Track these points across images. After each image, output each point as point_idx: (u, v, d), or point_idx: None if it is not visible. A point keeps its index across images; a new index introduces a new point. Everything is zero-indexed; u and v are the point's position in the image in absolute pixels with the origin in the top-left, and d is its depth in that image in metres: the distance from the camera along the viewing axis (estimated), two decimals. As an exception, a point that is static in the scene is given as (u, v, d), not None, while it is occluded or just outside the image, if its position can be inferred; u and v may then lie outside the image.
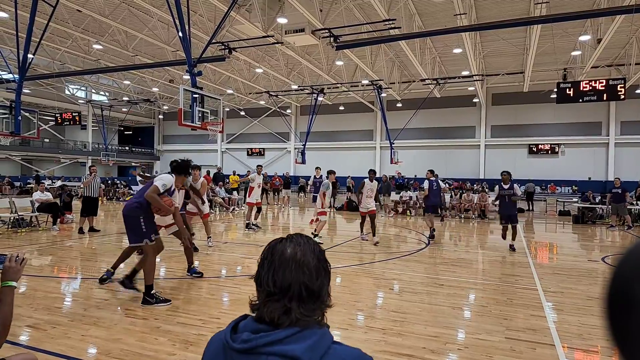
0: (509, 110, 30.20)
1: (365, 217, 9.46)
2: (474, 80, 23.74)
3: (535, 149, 29.80)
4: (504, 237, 8.84)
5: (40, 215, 11.01)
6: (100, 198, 11.04)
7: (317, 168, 15.52)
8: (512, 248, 8.57)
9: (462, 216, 15.84)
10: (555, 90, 14.80)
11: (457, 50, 19.25)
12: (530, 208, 20.18)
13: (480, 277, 6.57)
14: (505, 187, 8.63)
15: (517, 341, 3.83)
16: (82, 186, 10.75)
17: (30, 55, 13.06)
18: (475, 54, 19.57)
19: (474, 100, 29.94)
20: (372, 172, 9.52)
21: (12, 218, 10.34)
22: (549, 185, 28.86)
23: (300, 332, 0.95)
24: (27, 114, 14.83)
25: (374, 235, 9.25)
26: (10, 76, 19.92)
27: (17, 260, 2.00)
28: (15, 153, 33.05)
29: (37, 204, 10.84)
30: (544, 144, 29.45)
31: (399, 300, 5.05)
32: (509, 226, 8.62)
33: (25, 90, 14.93)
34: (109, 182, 25.49)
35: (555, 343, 3.81)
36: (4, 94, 26.93)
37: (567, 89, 14.33)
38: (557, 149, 29.19)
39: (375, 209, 9.60)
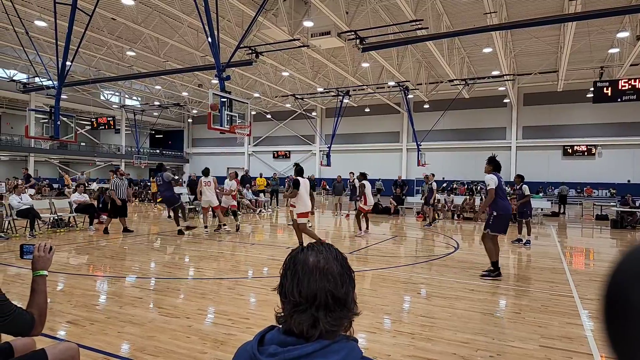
0: (542, 111, 29.26)
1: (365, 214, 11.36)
2: (505, 80, 23.15)
3: (570, 151, 28.73)
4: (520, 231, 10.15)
5: (77, 216, 11.51)
6: (129, 199, 11.35)
7: (350, 173, 15.60)
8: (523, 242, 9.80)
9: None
10: (592, 89, 14.23)
11: (487, 50, 18.84)
12: (563, 211, 19.45)
13: (512, 282, 6.38)
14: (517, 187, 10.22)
15: (553, 350, 3.70)
16: (108, 191, 11.11)
17: (68, 63, 13.66)
18: (505, 53, 19.07)
19: (505, 100, 29.18)
20: (362, 175, 11.54)
21: (51, 218, 10.84)
22: (585, 188, 27.74)
23: (328, 346, 0.93)
24: (65, 119, 15.47)
25: (360, 229, 10.99)
26: (49, 83, 20.93)
27: (45, 249, 2.03)
28: (53, 156, 34.68)
29: (75, 205, 11.33)
30: (579, 145, 28.35)
31: (428, 305, 4.98)
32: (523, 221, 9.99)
33: (63, 96, 15.62)
34: (142, 183, 26.27)
35: (592, 352, 3.66)
36: (44, 99, 28.33)
37: (605, 88, 13.75)
38: (593, 150, 28.04)
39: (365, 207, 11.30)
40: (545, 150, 29.47)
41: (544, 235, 11.91)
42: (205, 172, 11.05)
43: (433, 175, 14.47)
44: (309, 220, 9.72)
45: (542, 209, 16.29)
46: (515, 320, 4.51)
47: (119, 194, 10.53)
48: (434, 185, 13.97)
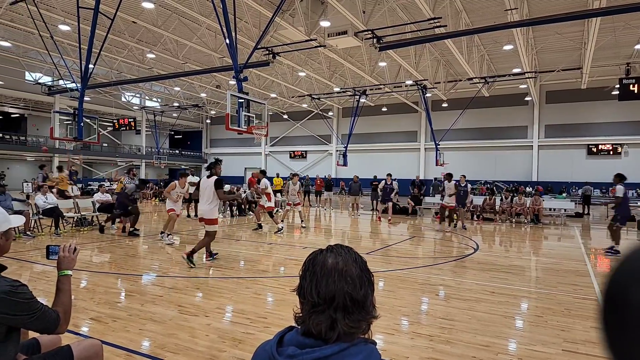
0: (565, 109, 28.49)
1: (445, 210, 12.47)
2: (526, 78, 22.63)
3: (594, 150, 27.89)
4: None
5: (100, 215, 11.80)
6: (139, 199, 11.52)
7: (388, 175, 15.36)
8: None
9: (514, 221, 15.13)
10: (618, 86, 13.81)
11: (508, 47, 18.46)
12: (587, 212, 18.92)
13: (534, 285, 6.24)
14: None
15: (576, 354, 3.60)
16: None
17: (90, 66, 14.00)
18: (527, 50, 18.65)
19: (526, 98, 28.53)
20: (449, 175, 12.48)
21: (75, 217, 11.14)
22: (610, 189, 26.87)
23: (346, 349, 0.93)
24: (88, 120, 15.87)
25: (448, 225, 12.37)
26: (73, 85, 21.51)
27: (70, 249, 2.09)
28: (76, 157, 35.59)
29: (97, 205, 11.61)
30: (604, 144, 27.50)
31: (446, 307, 4.91)
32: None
33: (86, 98, 16.06)
34: (162, 183, 26.69)
35: (620, 359, 3.54)
36: (68, 101, 29.13)
37: (631, 85, 13.35)
38: (619, 149, 27.15)
39: (453, 205, 12.27)
40: (568, 150, 28.68)
41: (567, 237, 11.61)
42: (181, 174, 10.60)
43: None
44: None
45: (565, 210, 15.89)
46: (537, 323, 4.41)
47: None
48: (469, 187, 13.48)
